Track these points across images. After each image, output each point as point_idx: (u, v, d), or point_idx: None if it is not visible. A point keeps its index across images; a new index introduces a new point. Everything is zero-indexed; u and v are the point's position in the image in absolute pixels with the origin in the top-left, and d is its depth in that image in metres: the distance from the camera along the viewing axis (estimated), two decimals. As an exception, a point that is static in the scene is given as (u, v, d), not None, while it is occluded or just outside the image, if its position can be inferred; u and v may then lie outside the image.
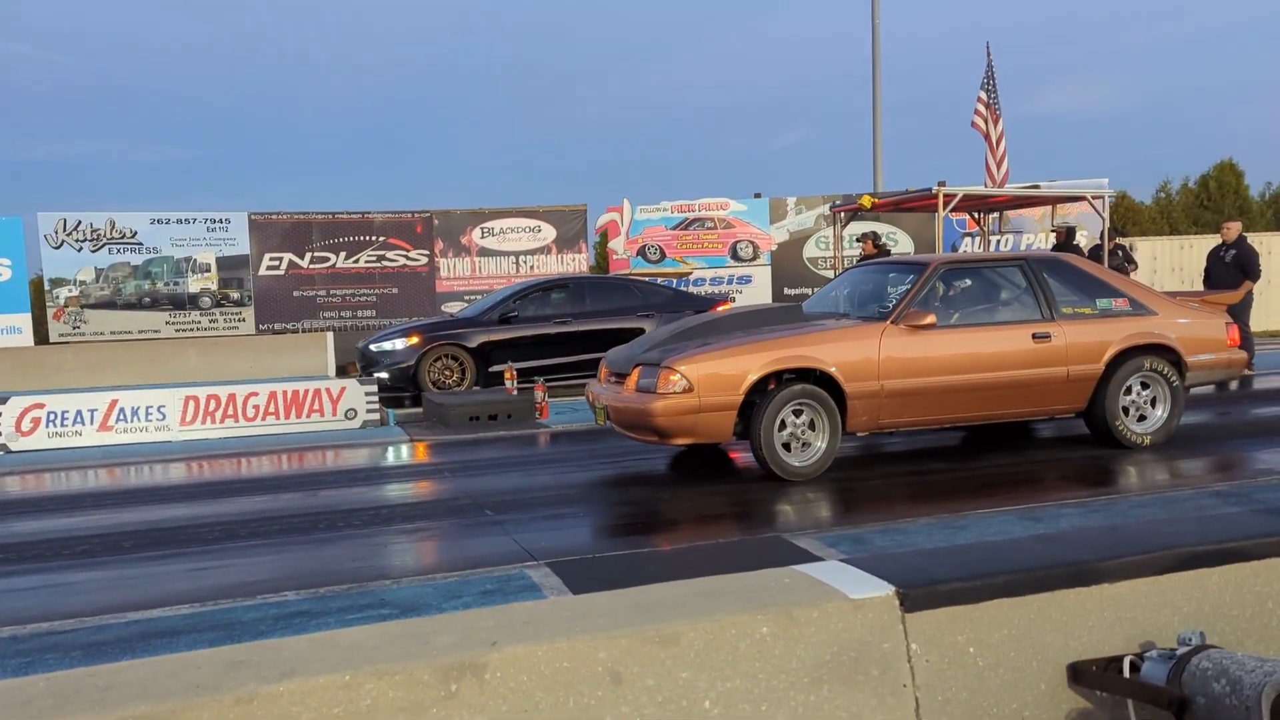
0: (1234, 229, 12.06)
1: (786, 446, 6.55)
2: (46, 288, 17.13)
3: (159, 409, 9.84)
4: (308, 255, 18.31)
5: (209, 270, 17.72)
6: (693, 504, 6.27)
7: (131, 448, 9.56)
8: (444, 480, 7.62)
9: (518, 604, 2.51)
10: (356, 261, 18.58)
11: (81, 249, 17.16)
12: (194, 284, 17.61)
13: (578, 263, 19.69)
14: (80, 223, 17.18)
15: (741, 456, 7.77)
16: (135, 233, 17.41)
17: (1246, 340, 12.39)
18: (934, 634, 2.25)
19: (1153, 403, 7.23)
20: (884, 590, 2.22)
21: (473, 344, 12.17)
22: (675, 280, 18.32)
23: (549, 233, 19.58)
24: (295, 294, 18.24)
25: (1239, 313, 12.29)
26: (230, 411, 10.06)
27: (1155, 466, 6.86)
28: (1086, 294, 7.25)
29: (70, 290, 17.07)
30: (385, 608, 4.42)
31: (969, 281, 7.34)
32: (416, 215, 19.13)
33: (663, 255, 20.01)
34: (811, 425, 6.60)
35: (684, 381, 6.45)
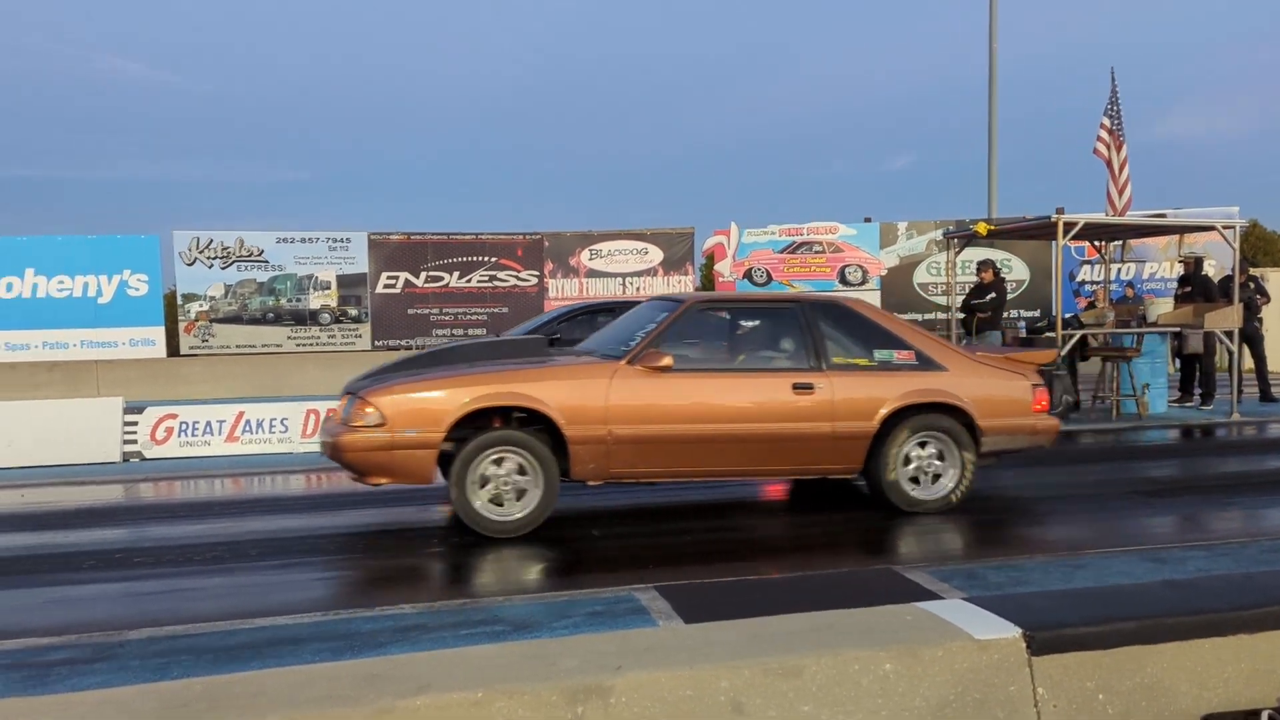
0: None
1: (493, 498, 5.93)
2: (179, 302, 18.03)
3: (282, 421, 10.24)
4: (422, 274, 18.84)
5: (329, 287, 18.40)
6: (799, 530, 6.23)
7: (256, 458, 9.96)
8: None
9: (639, 630, 2.55)
10: (469, 281, 19.03)
11: (212, 266, 18.03)
12: (315, 300, 18.30)
13: (683, 284, 19.78)
14: (211, 241, 18.06)
15: (854, 483, 7.68)
16: (262, 251, 18.20)
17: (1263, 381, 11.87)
18: (1061, 679, 2.20)
19: (940, 467, 6.47)
20: (1010, 632, 2.19)
21: None
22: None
23: (656, 255, 19.73)
24: (409, 312, 18.78)
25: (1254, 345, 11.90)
26: (347, 425, 10.39)
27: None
28: (865, 344, 6.53)
29: (200, 305, 17.94)
30: (497, 624, 4.50)
31: (731, 323, 6.79)
32: (527, 236, 19.50)
33: (769, 278, 19.95)
34: (522, 472, 5.93)
35: (377, 415, 5.84)
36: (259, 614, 4.72)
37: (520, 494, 5.94)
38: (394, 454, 5.85)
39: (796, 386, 6.25)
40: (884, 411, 6.30)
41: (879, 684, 2.08)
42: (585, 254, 19.53)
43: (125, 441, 9.92)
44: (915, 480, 6.44)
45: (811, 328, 6.46)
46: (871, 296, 19.81)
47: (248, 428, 10.14)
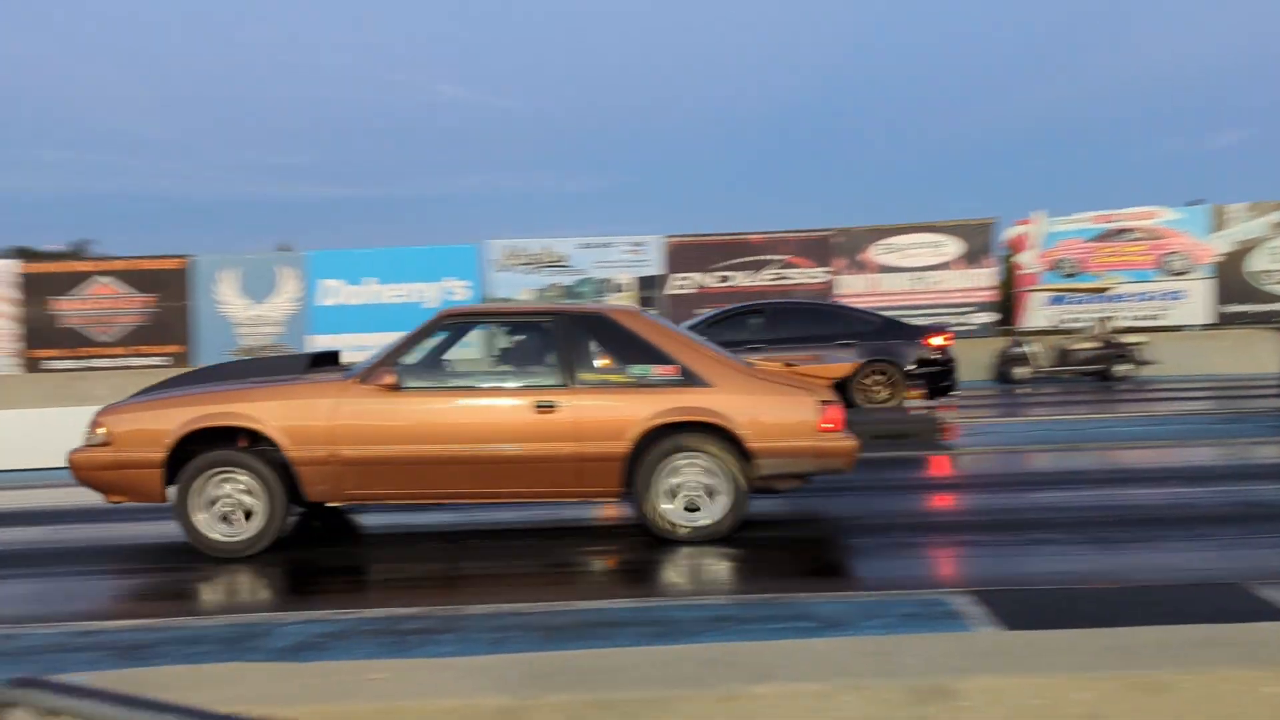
0: None
1: (222, 517, 5.79)
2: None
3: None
4: (713, 274, 19.23)
5: (627, 289, 19.22)
6: (1126, 540, 5.78)
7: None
8: (847, 498, 7.63)
9: (979, 633, 2.47)
10: (758, 279, 19.20)
11: (522, 271, 19.37)
12: (614, 301, 19.18)
13: (982, 278, 18.92)
14: (521, 248, 19.41)
15: (1173, 492, 7.03)
16: (565, 256, 19.32)
17: None
18: None
19: (710, 491, 5.79)
20: None
21: None
22: (1094, 296, 17.00)
23: (953, 248, 19.02)
24: (699, 312, 19.24)
25: None
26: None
27: None
28: (623, 359, 5.95)
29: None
30: (807, 620, 4.50)
31: (484, 337, 6.38)
32: (817, 233, 19.40)
33: (1078, 269, 18.66)
34: (251, 493, 5.76)
35: (104, 434, 5.89)
36: (579, 597, 4.99)
37: (249, 514, 5.80)
38: (121, 473, 5.88)
39: (539, 405, 5.81)
40: (635, 432, 5.75)
41: (1261, 707, 1.89)
42: (877, 249, 19.16)
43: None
44: (690, 508, 5.85)
45: (565, 342, 5.97)
46: (1198, 287, 18.04)
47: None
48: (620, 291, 19.09)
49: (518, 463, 5.83)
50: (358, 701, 1.97)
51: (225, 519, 5.80)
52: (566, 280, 19.36)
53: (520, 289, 19.30)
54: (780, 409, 5.86)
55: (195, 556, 5.80)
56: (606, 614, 4.69)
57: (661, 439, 5.80)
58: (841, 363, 10.77)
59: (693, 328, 12.65)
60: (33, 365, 20.17)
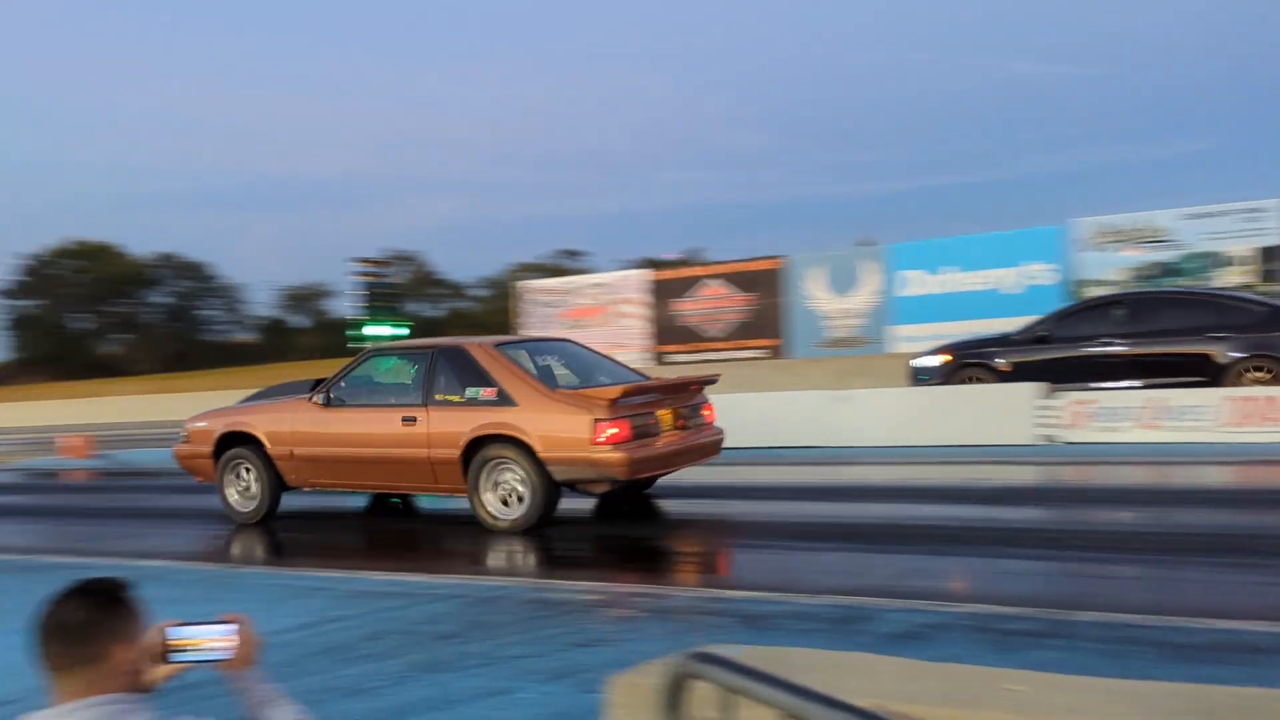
0: None
1: (240, 494, 8.36)
2: (1078, 289, 18.18)
3: (1200, 408, 9.63)
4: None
5: (1245, 263, 16.69)
6: None
7: (1170, 446, 9.54)
8: None
9: None
10: None
11: (1113, 249, 17.78)
12: (1228, 277, 16.77)
13: None
14: (1111, 225, 17.81)
15: None
16: (1165, 230, 17.35)
17: None
18: None
19: (520, 492, 7.14)
20: None
21: (998, 365, 11.15)
22: None
23: None
24: (1349, 284, 16.09)
25: None
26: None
27: None
28: (464, 382, 7.39)
29: (1101, 290, 17.82)
30: None
31: (392, 365, 8.02)
32: None
33: None
34: (257, 478, 8.25)
35: (187, 433, 8.67)
36: (1203, 614, 4.45)
37: (256, 494, 8.27)
38: (197, 461, 8.56)
39: (405, 419, 7.49)
40: (464, 441, 7.19)
41: None
42: None
43: (1040, 425, 10.28)
44: (506, 504, 7.20)
45: (430, 369, 7.55)
46: None
47: (1165, 414, 9.73)
48: (1245, 265, 16.62)
49: (395, 463, 7.57)
50: (998, 712, 1.94)
51: (241, 495, 8.36)
52: (1167, 257, 17.33)
53: (1110, 269, 17.70)
54: (561, 424, 6.97)
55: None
56: (1241, 636, 4.13)
57: (482, 448, 7.19)
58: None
59: (1041, 321, 11.47)
60: (659, 359, 23.24)
